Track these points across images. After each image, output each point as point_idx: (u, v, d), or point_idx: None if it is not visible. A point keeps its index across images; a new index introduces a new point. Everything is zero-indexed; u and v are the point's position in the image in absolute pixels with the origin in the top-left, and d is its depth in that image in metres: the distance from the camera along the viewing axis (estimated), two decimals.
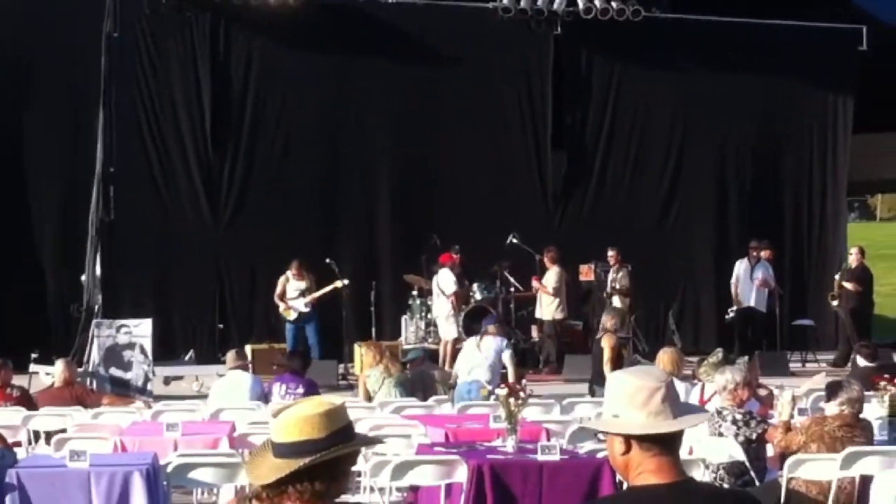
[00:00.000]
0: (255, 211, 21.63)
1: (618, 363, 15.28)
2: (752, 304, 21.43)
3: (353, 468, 9.27)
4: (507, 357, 14.92)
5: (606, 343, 15.61)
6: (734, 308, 21.64)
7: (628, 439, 3.92)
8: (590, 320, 21.49)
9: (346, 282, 20.07)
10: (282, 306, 20.14)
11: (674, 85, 23.77)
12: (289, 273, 20.09)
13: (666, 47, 23.50)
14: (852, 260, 22.00)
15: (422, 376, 14.95)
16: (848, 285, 21.33)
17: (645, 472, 3.88)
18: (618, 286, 20.88)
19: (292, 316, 20.09)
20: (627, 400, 3.91)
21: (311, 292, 19.99)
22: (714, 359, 12.39)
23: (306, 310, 20.03)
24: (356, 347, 19.89)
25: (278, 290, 20.16)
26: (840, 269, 22.33)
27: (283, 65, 21.98)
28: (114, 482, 8.70)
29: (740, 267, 21.71)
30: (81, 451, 8.90)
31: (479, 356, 14.83)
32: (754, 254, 21.63)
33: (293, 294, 20.07)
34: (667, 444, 3.89)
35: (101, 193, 18.92)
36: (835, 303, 21.62)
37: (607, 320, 16.10)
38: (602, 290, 21.22)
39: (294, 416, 3.92)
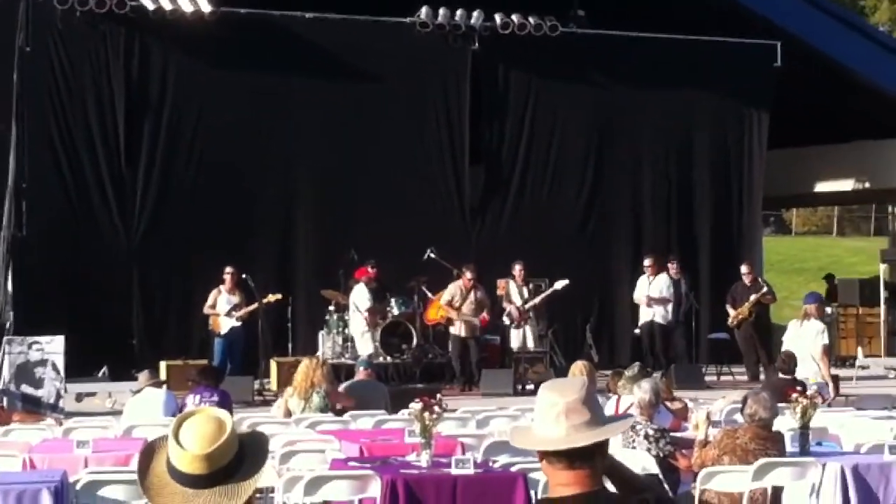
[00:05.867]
0: (168, 226, 21.37)
1: None
2: (655, 318, 21.56)
3: (266, 484, 9.12)
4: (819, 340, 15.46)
5: None
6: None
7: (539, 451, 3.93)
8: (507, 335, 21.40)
9: (279, 296, 19.89)
10: (212, 319, 19.82)
11: (591, 100, 23.88)
12: (221, 287, 19.80)
13: (583, 62, 23.61)
14: (747, 277, 21.88)
15: (372, 387, 14.60)
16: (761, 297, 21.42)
17: (557, 485, 3.87)
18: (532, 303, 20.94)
19: (224, 330, 19.74)
20: (539, 412, 3.91)
21: (241, 307, 19.75)
22: (631, 372, 12.42)
23: (238, 324, 19.75)
24: (272, 363, 19.77)
25: (209, 302, 19.82)
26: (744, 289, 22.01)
27: (198, 79, 21.80)
28: (21, 500, 8.57)
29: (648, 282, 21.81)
30: None
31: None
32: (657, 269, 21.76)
33: (224, 308, 19.73)
34: (573, 459, 3.86)
35: (14, 209, 18.73)
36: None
37: None
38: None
39: (190, 452, 3.65)
